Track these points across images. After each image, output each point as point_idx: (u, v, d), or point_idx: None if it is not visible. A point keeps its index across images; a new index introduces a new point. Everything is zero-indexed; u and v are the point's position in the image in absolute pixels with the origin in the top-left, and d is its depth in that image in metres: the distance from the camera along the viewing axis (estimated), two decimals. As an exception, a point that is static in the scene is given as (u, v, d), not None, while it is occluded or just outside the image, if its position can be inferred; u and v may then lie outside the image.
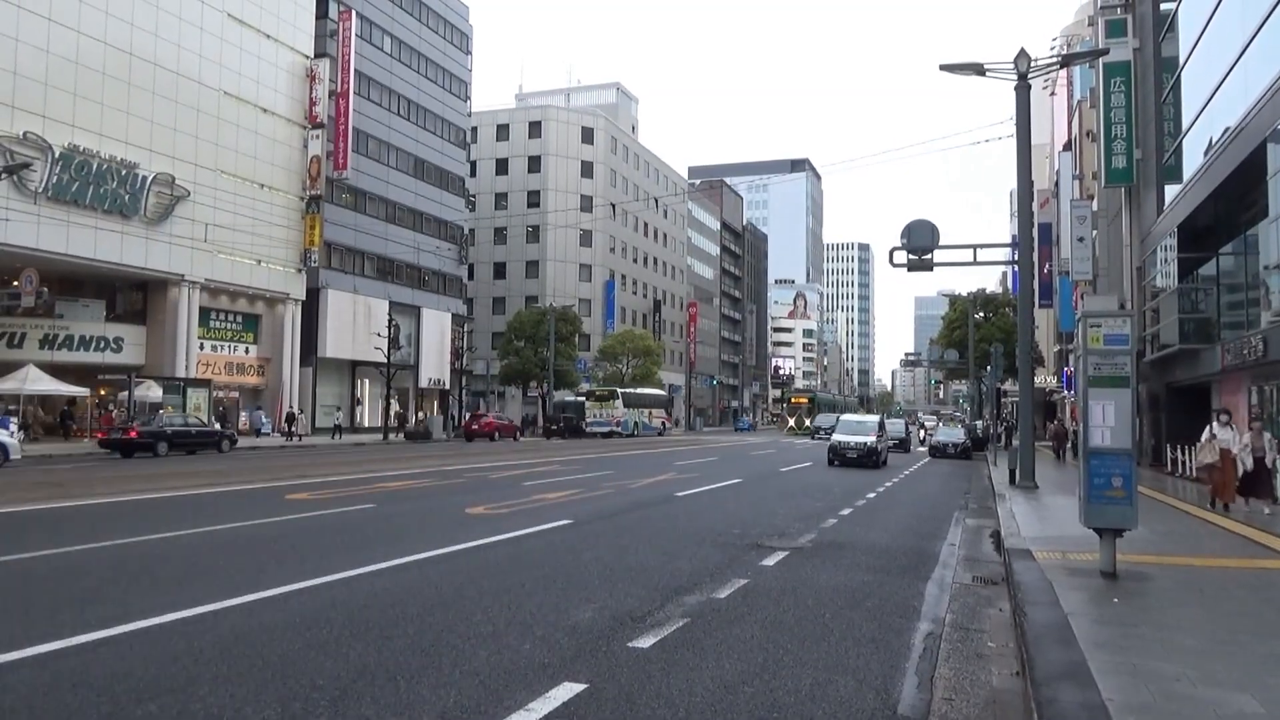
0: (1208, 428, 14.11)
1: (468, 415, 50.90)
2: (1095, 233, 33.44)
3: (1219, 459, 13.64)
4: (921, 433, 53.35)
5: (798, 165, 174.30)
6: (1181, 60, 23.12)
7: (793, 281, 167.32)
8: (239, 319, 42.82)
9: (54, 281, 33.48)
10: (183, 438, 28.44)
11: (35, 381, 31.74)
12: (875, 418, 31.31)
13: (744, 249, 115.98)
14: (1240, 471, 13.73)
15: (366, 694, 4.69)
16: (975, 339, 48.99)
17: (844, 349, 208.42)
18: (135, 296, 39.14)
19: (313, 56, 44.97)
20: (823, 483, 20.32)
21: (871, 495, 17.45)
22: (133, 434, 26.86)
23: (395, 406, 48.89)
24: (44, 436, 33.36)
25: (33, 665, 5.07)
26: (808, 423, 67.40)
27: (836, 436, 27.37)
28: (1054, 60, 20.03)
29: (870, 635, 6.30)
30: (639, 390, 60.49)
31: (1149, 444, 25.80)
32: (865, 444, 26.19)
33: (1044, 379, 55.79)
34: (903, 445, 39.05)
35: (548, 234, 72.86)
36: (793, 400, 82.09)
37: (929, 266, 20.33)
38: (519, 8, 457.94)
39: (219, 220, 38.27)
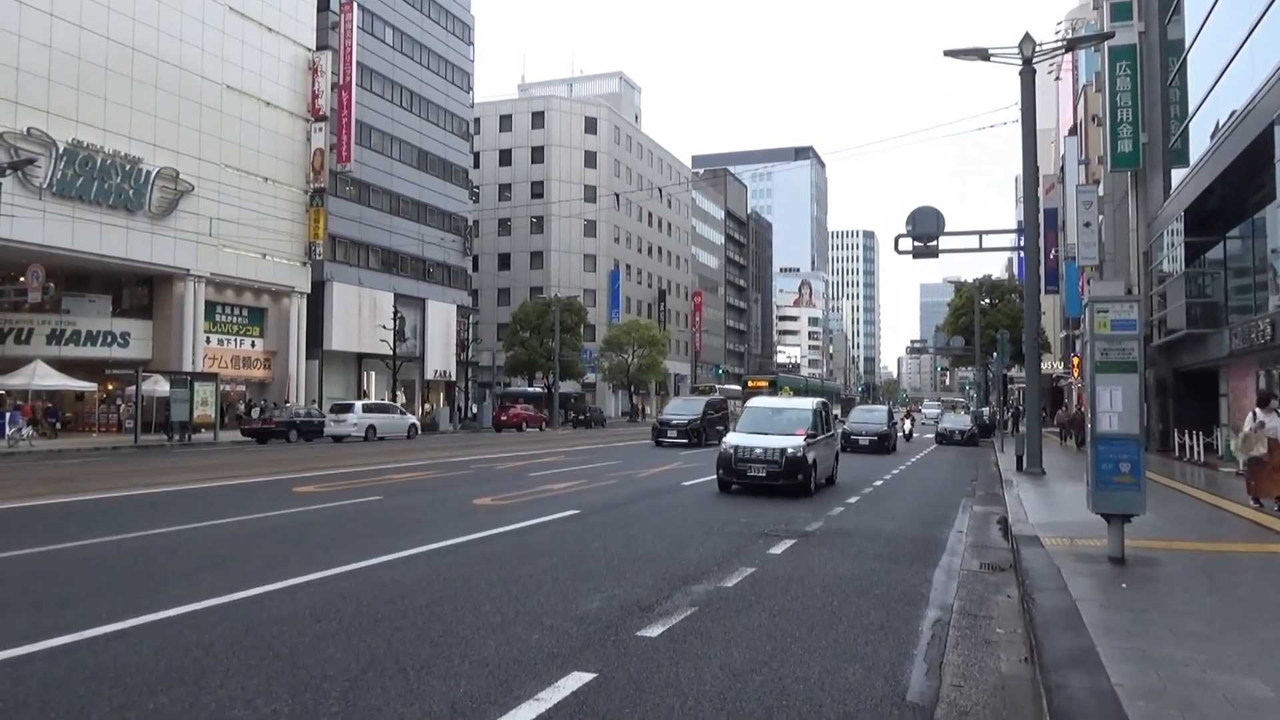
0: (1251, 414, 12.08)
1: (498, 406, 51.60)
2: (1101, 217, 33.27)
3: (1269, 451, 11.43)
4: (907, 425, 39.66)
5: (802, 153, 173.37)
6: (1187, 43, 22.93)
7: (798, 270, 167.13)
8: (245, 312, 42.90)
9: (60, 277, 33.56)
10: (307, 426, 33.93)
11: (43, 377, 31.88)
12: (807, 404, 17.32)
13: (748, 237, 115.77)
14: None
15: (376, 685, 4.71)
16: (981, 325, 48.84)
17: (849, 337, 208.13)
18: (141, 291, 39.26)
19: (314, 49, 44.88)
20: (829, 471, 20.23)
21: (879, 483, 17.46)
22: (269, 424, 33.60)
23: (401, 398, 48.94)
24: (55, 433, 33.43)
25: (45, 659, 5.09)
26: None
27: (733, 439, 15.53)
28: (1059, 44, 19.91)
29: (878, 623, 6.31)
30: (727, 386, 76.48)
31: (1157, 429, 25.72)
32: (783, 452, 14.57)
33: (1050, 365, 55.63)
34: (883, 444, 28.89)
35: (552, 225, 72.76)
36: (750, 384, 61.85)
37: (934, 253, 20.21)
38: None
39: (223, 214, 38.32)
